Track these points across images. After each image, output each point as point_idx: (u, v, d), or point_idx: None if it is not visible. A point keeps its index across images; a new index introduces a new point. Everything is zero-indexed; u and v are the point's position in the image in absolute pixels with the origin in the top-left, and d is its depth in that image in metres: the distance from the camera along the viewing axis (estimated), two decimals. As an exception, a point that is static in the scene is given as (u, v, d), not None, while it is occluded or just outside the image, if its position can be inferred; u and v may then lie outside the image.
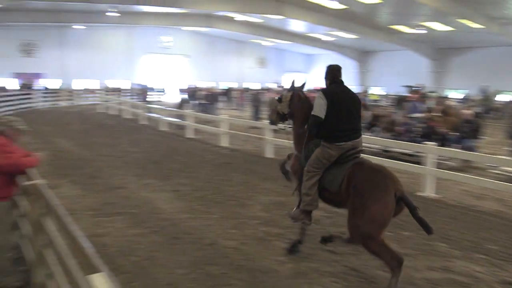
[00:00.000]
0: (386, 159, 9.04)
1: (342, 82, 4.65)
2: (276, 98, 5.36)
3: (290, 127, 5.13)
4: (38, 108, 26.24)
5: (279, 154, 11.66)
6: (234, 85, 40.28)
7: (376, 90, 38.24)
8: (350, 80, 43.39)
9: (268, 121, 5.49)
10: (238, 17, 30.29)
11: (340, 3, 23.74)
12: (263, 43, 43.60)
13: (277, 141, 11.69)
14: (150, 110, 19.92)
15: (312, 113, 4.52)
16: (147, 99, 23.01)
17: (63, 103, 29.21)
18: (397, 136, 11.57)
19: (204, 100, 22.16)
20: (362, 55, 43.63)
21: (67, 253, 3.12)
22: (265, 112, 18.34)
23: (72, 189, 8.26)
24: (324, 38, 36.91)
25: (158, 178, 9.13)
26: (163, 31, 39.36)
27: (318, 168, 4.46)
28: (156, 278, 4.58)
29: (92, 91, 32.41)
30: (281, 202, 7.39)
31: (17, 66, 33.10)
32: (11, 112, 21.77)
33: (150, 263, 4.95)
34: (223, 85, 39.86)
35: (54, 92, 29.73)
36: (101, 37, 36.63)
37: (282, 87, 28.50)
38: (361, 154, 4.66)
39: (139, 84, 35.50)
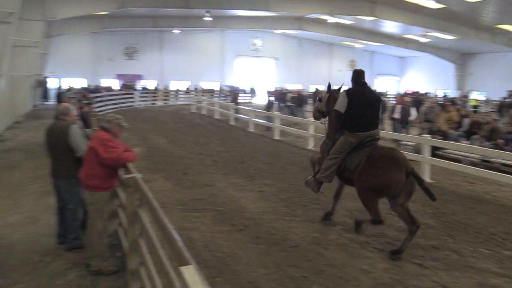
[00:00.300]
0: (486, 170, 8.33)
1: (364, 83, 5.78)
2: (317, 98, 6.62)
3: (326, 121, 6.27)
4: (137, 107, 28.32)
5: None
6: (323, 88, 39.84)
7: (476, 95, 35.48)
8: (447, 83, 40.76)
9: (312, 117, 6.92)
10: (330, 19, 29.93)
11: (438, 2, 22.34)
12: (354, 45, 42.61)
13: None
14: (239, 111, 20.46)
15: (334, 107, 5.75)
16: (237, 101, 23.58)
17: (159, 103, 31.14)
18: (498, 146, 10.61)
19: (292, 102, 22.25)
20: (461, 57, 40.59)
21: (158, 243, 3.29)
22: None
23: (164, 184, 8.75)
24: (419, 39, 35.03)
25: (244, 178, 9.33)
26: (254, 34, 40.27)
27: (340, 152, 5.65)
28: (238, 275, 4.66)
29: (186, 91, 34.23)
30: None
31: (120, 68, 36.17)
32: (114, 110, 23.73)
33: (233, 260, 5.05)
34: (311, 88, 39.67)
35: (151, 92, 31.88)
36: (196, 41, 38.48)
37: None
38: (378, 142, 5.73)
39: (230, 86, 36.75)
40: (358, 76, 5.83)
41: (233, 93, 26.65)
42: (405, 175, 5.02)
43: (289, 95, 23.69)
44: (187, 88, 36.06)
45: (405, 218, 5.25)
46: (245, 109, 20.07)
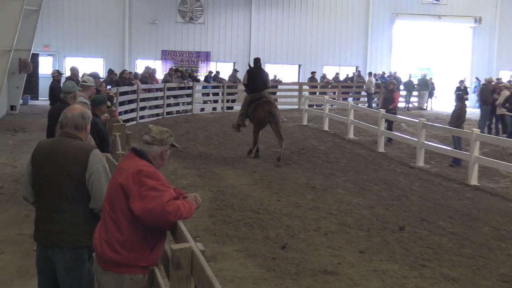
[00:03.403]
0: None
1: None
2: None
3: None
4: (199, 113, 29.24)
5: None
6: None
7: None
8: None
9: None
10: None
11: None
12: None
13: None
14: (395, 125, 20.15)
15: None
16: (394, 105, 23.31)
17: (238, 105, 31.96)
18: None
19: (510, 108, 21.88)
20: None
21: None
22: None
23: (244, 265, 8.80)
24: None
25: (403, 262, 9.18)
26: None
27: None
28: None
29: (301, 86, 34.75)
30: None
31: (170, 40, 37.98)
32: (154, 119, 24.67)
33: None
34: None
35: (224, 86, 32.95)
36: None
37: None
38: None
39: (379, 76, 36.68)
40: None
41: (387, 91, 26.30)
42: (268, 114, 17.81)
43: (505, 93, 22.91)
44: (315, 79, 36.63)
45: (277, 136, 18.10)
46: (409, 121, 19.80)
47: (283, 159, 17.37)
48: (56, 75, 19.84)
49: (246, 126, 19.50)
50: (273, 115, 18.20)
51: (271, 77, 33.09)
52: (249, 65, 20.87)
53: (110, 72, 26.85)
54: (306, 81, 37.30)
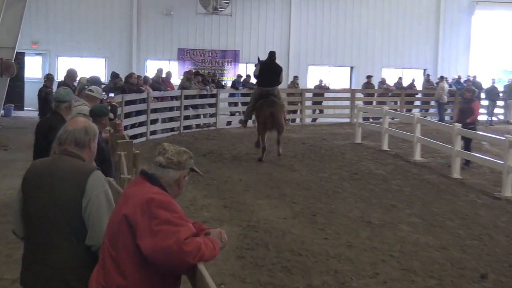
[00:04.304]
0: None
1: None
2: None
3: None
4: (224, 127, 29.48)
5: None
6: None
7: None
8: None
9: None
10: None
11: None
12: None
13: None
14: (472, 145, 20.04)
15: None
16: (473, 118, 23.20)
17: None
18: None
19: None
20: None
21: None
22: None
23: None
24: None
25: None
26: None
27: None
28: None
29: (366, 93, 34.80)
30: None
31: (189, 36, 38.26)
32: (168, 136, 24.74)
33: None
34: None
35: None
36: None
37: None
38: None
39: (456, 81, 36.52)
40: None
41: (464, 100, 26.10)
42: (269, 114, 22.02)
43: None
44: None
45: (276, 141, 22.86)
46: (493, 139, 19.71)
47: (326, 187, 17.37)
48: (46, 80, 20.00)
49: (246, 126, 24.69)
50: (275, 117, 21.74)
51: (315, 82, 33.84)
52: (258, 59, 24.35)
53: (114, 75, 26.85)
54: (360, 88, 37.25)
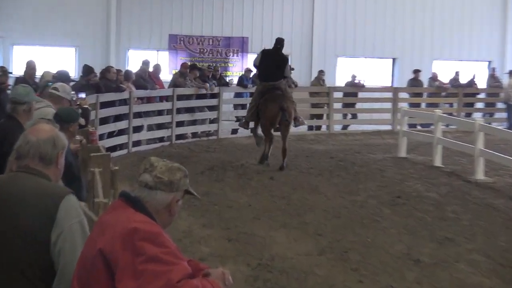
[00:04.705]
0: None
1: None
2: None
3: None
4: (229, 137, 29.90)
5: None
6: None
7: None
8: None
9: None
10: None
11: None
12: None
13: None
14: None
15: None
16: None
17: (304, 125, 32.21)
18: None
19: None
20: None
21: None
22: None
23: None
24: None
25: None
26: None
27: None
28: None
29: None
30: None
31: (182, 19, 38.37)
32: (157, 148, 24.91)
33: None
34: None
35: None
36: None
37: None
38: None
39: None
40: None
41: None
42: (279, 110, 23.54)
43: None
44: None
45: (282, 140, 24.59)
46: None
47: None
48: (1, 75, 20.05)
49: (249, 128, 25.78)
50: (285, 111, 23.01)
51: (347, 78, 33.80)
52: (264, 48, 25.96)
53: (87, 70, 26.42)
54: (404, 85, 37.41)
